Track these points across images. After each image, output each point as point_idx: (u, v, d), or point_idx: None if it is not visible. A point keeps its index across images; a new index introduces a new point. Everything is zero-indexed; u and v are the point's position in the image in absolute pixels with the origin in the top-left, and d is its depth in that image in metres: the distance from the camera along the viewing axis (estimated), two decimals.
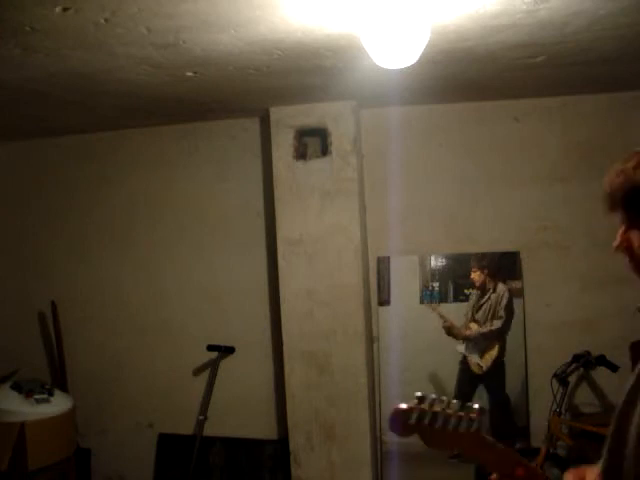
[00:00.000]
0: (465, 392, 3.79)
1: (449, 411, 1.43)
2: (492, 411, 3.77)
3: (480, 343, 3.80)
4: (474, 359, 3.79)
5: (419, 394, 1.45)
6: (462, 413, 1.40)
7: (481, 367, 3.78)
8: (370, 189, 3.85)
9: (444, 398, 1.43)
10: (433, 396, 1.43)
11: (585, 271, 3.69)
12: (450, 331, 3.82)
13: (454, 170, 3.83)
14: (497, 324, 3.77)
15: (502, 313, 3.77)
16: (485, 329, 3.79)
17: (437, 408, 1.44)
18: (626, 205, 1.40)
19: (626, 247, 1.45)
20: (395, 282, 3.88)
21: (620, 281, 3.62)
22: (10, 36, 2.25)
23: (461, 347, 3.81)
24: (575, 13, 2.28)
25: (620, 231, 1.45)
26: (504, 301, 3.76)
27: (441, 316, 3.82)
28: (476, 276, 3.80)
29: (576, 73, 3.18)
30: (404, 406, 1.41)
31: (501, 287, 3.78)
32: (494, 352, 3.78)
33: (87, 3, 2.00)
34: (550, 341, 3.69)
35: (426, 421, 1.41)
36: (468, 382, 3.81)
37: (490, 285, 3.79)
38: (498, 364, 3.77)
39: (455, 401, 1.43)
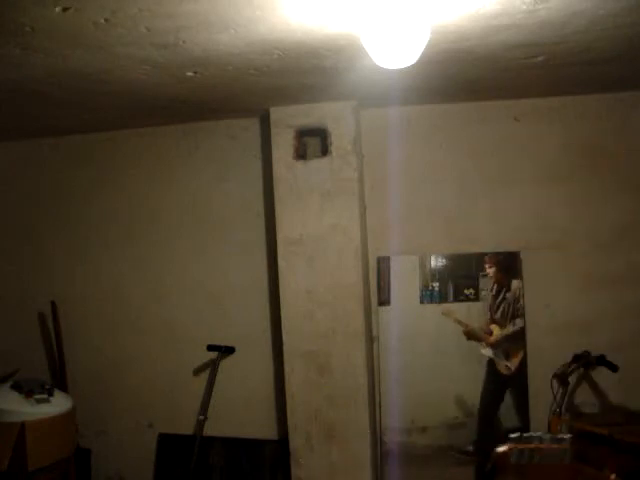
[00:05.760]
0: (494, 396, 3.77)
1: (542, 445, 1.49)
2: (518, 412, 3.75)
3: (504, 344, 3.76)
4: (502, 361, 3.76)
5: (513, 435, 1.55)
6: (555, 445, 1.46)
7: (509, 369, 3.75)
8: (370, 189, 3.85)
9: (536, 434, 1.49)
10: (525, 434, 1.49)
11: (585, 271, 3.69)
12: (471, 335, 3.79)
13: (454, 170, 3.83)
14: (520, 323, 3.74)
15: (522, 311, 3.74)
16: (509, 330, 3.75)
17: (532, 444, 1.51)
18: None
19: None
20: (395, 282, 3.88)
21: (620, 281, 3.63)
22: (10, 36, 2.25)
23: (486, 351, 3.77)
24: (575, 13, 2.28)
25: None
26: (522, 299, 3.73)
27: (459, 322, 3.79)
28: (492, 272, 3.77)
29: (576, 73, 3.18)
30: (503, 448, 1.49)
31: (515, 284, 3.75)
32: (521, 352, 3.74)
33: (87, 3, 2.00)
34: (550, 341, 3.69)
35: (525, 459, 1.47)
36: (496, 385, 3.77)
37: (505, 282, 3.77)
38: (523, 364, 3.75)
39: (548, 435, 1.48)
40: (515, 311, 3.75)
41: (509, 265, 3.77)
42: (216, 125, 4.10)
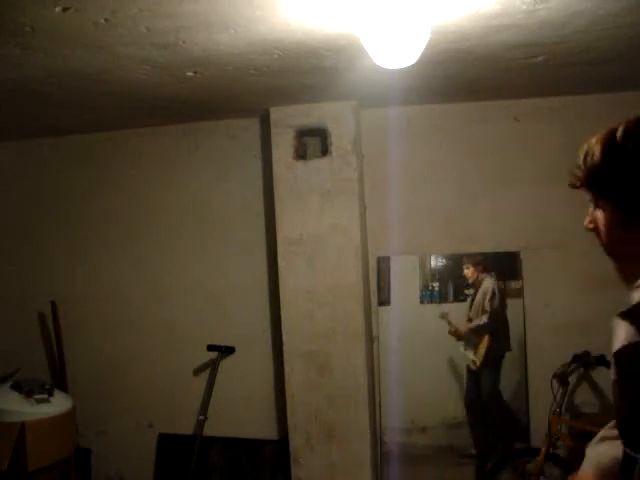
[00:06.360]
0: (472, 394, 3.80)
1: None
2: (486, 407, 3.78)
3: (472, 339, 3.81)
4: (470, 357, 3.81)
5: None
6: None
7: (475, 363, 3.80)
8: (370, 189, 3.85)
9: None
10: None
11: (585, 271, 3.69)
12: (459, 336, 3.83)
13: (454, 170, 3.83)
14: (483, 319, 3.79)
15: (487, 307, 3.78)
16: (473, 325, 3.80)
17: None
18: (589, 184, 1.34)
19: (594, 227, 1.42)
20: (395, 282, 3.88)
21: (620, 281, 3.63)
22: (10, 36, 2.25)
23: (461, 347, 3.82)
24: (575, 13, 2.28)
25: (589, 210, 1.41)
26: (489, 295, 3.77)
27: (449, 322, 3.82)
28: (469, 272, 3.80)
29: (576, 73, 3.18)
30: None
31: (487, 281, 3.78)
32: (484, 347, 3.79)
33: (87, 3, 2.00)
34: (550, 341, 3.69)
35: None
36: (471, 383, 3.82)
37: (479, 281, 3.80)
38: (492, 359, 3.77)
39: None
40: (483, 307, 3.78)
41: (485, 265, 3.78)
42: (216, 125, 4.10)
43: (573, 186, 1.39)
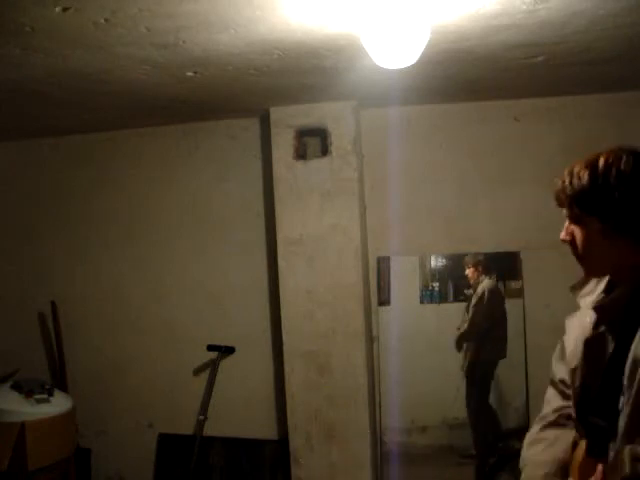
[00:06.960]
0: (467, 393, 3.81)
1: None
2: (474, 413, 3.79)
3: (465, 344, 3.81)
4: (461, 360, 3.81)
5: None
6: None
7: (463, 368, 3.80)
8: (370, 189, 3.85)
9: None
10: None
11: None
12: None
13: (454, 170, 3.83)
14: (464, 327, 3.79)
15: (470, 314, 3.77)
16: (459, 332, 3.81)
17: None
18: (572, 204, 1.56)
19: (570, 240, 1.62)
20: (395, 282, 3.88)
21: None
22: (10, 36, 2.25)
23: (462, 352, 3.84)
24: (575, 13, 2.28)
25: (565, 225, 1.63)
26: (474, 300, 3.76)
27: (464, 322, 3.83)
28: (470, 272, 3.79)
29: (576, 73, 3.18)
30: None
31: (482, 285, 3.77)
32: (470, 352, 3.79)
33: (87, 3, 2.00)
34: (550, 341, 3.66)
35: None
36: (467, 385, 3.81)
37: (478, 283, 3.80)
38: (479, 366, 3.78)
39: None
40: (467, 314, 3.78)
41: (484, 265, 3.77)
42: (216, 125, 4.09)
43: (561, 205, 1.64)
